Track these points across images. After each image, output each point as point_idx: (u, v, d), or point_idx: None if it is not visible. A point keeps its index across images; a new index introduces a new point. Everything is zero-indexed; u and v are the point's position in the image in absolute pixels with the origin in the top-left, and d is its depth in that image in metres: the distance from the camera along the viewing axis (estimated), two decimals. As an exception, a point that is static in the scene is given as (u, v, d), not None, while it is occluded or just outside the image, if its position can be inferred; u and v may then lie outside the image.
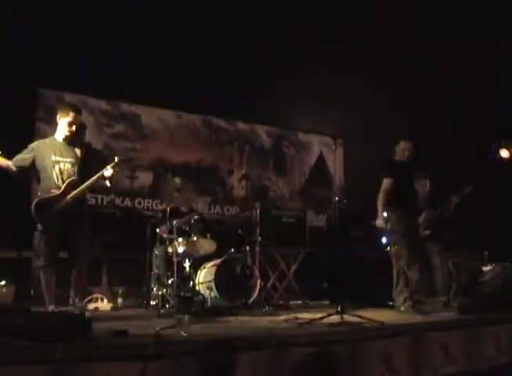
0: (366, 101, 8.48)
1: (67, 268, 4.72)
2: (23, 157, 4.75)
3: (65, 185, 4.65)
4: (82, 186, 4.68)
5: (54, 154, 4.72)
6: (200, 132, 8.69)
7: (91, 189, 4.94)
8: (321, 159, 9.47)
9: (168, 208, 6.04)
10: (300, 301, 7.21)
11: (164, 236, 6.12)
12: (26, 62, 6.63)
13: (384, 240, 7.59)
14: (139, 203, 7.93)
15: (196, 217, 6.22)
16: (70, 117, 4.76)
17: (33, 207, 4.59)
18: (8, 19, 6.53)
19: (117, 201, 7.71)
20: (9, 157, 4.78)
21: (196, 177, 8.32)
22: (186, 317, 3.77)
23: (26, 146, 4.83)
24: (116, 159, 4.83)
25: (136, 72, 7.39)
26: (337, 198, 5.42)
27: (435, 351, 4.22)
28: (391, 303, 6.46)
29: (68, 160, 4.76)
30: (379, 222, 5.69)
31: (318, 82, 8.28)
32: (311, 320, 4.38)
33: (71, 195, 4.63)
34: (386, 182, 5.72)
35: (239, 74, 8.12)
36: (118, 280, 6.86)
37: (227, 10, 7.87)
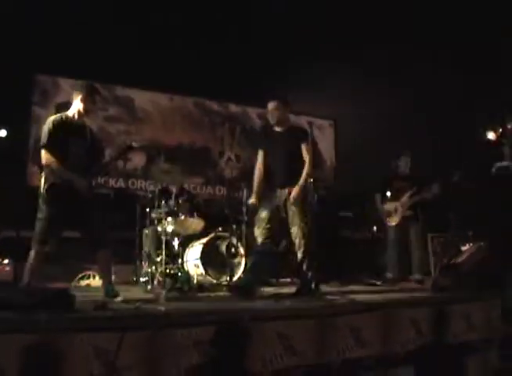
0: (355, 84, 8.64)
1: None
2: None
3: None
4: None
5: None
6: (193, 115, 8.89)
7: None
8: (311, 140, 9.59)
9: (158, 189, 6.28)
10: (288, 279, 7.45)
11: (154, 215, 6.34)
12: (22, 48, 6.81)
13: None
14: (132, 183, 8.16)
15: (184, 197, 6.44)
16: None
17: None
18: (4, 5, 6.71)
19: (111, 182, 7.94)
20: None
21: (189, 158, 8.55)
22: (164, 293, 4.03)
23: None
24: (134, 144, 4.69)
25: (129, 55, 7.56)
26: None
27: (406, 326, 4.46)
28: (375, 281, 6.78)
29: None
30: None
31: (308, 66, 8.43)
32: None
33: None
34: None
35: (231, 56, 8.26)
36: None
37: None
